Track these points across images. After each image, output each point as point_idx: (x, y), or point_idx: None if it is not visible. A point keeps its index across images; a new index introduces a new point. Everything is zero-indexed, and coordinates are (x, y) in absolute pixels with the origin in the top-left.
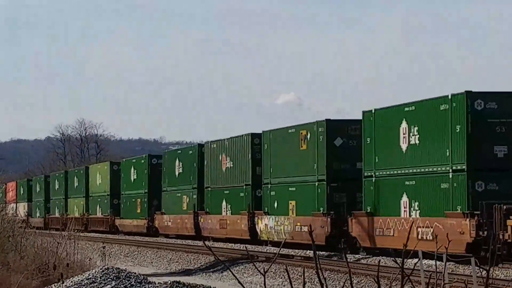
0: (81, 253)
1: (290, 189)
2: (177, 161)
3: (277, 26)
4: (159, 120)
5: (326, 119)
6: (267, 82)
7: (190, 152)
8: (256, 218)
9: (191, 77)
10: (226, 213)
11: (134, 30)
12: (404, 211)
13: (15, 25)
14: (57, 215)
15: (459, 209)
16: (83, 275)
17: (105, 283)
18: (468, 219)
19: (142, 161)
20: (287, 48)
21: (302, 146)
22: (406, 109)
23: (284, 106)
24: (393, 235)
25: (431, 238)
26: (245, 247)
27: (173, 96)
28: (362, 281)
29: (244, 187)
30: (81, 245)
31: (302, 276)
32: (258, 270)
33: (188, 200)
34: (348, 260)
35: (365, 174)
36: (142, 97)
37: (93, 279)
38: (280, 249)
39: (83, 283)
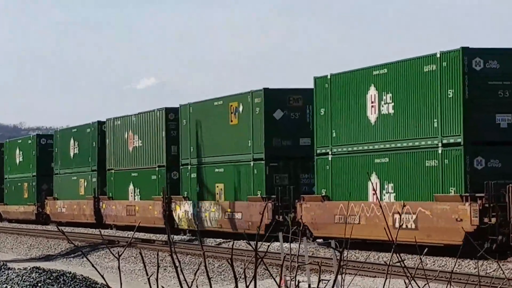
0: None
1: (216, 170)
2: (71, 141)
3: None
4: (18, 105)
5: (264, 88)
6: (128, 67)
7: (88, 130)
8: (173, 203)
9: (50, 60)
10: (134, 198)
11: None
12: (373, 194)
13: None
14: None
15: (452, 192)
16: None
17: None
18: (468, 204)
19: (29, 141)
20: (145, 30)
21: (232, 121)
22: (376, 72)
23: (146, 91)
24: (359, 223)
25: (414, 226)
26: (99, 231)
27: (31, 81)
28: (223, 264)
29: (157, 169)
30: None
31: (157, 260)
32: (112, 254)
33: (86, 184)
34: (208, 243)
35: (318, 151)
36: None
37: None
38: (134, 233)
39: None
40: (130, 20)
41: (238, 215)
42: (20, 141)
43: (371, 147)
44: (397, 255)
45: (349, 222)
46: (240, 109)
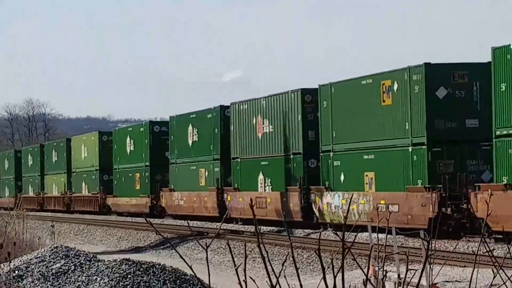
0: (31, 232)
1: (365, 157)
2: (190, 128)
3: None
4: (106, 98)
5: (425, 63)
6: (213, 60)
7: (209, 115)
8: (312, 195)
9: (138, 54)
10: (265, 190)
11: (76, 5)
12: None
13: None
14: (31, 194)
15: None
16: (32, 254)
17: (54, 262)
18: None
19: (141, 129)
20: (230, 24)
21: (384, 101)
22: None
23: (232, 84)
24: None
25: None
26: (187, 223)
27: (118, 73)
28: (312, 255)
29: (292, 156)
30: (30, 224)
31: (244, 251)
32: (200, 245)
33: (207, 174)
34: (297, 235)
35: (498, 133)
36: (88, 75)
37: (42, 258)
38: (221, 225)
39: (32, 262)
40: (209, 14)
41: (393, 208)
42: (131, 129)
43: None
44: (486, 244)
45: None
46: (395, 87)
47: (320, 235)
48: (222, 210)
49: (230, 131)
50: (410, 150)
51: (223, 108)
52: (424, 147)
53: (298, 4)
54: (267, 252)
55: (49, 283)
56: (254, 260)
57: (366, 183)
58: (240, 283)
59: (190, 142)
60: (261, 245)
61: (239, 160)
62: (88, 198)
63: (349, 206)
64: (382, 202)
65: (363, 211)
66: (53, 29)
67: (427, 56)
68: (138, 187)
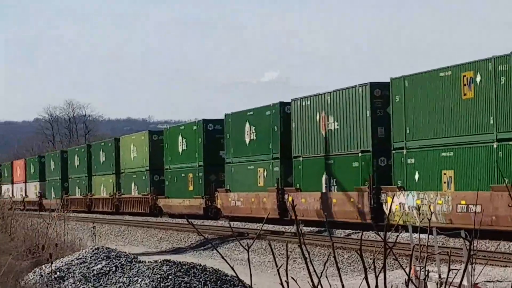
0: (72, 233)
1: (443, 154)
2: (247, 125)
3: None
4: (146, 100)
5: None
6: (251, 61)
7: (268, 112)
8: (383, 195)
9: (175, 56)
10: (329, 190)
11: (116, 8)
12: None
13: None
14: (78, 195)
15: None
16: (73, 255)
17: (95, 263)
18: None
19: (194, 127)
20: (267, 26)
21: (465, 94)
22: None
23: (270, 84)
24: None
25: None
26: (229, 223)
27: (159, 75)
28: (353, 255)
29: (360, 154)
30: (71, 225)
31: (286, 251)
32: (242, 245)
33: (265, 173)
34: (337, 235)
35: None
36: (128, 77)
37: (83, 259)
38: (262, 225)
39: (73, 263)
40: (244, 16)
41: (476, 208)
42: (183, 127)
43: None
44: None
45: None
46: (478, 79)
47: (362, 235)
48: (282, 211)
49: (291, 128)
50: (495, 146)
51: (283, 105)
52: (511, 143)
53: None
54: (308, 252)
55: (90, 284)
56: (295, 261)
57: (444, 182)
58: (282, 284)
59: (247, 140)
60: (303, 246)
61: (301, 159)
62: (138, 199)
63: (421, 209)
64: (463, 202)
65: (440, 211)
66: (94, 31)
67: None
68: (191, 187)
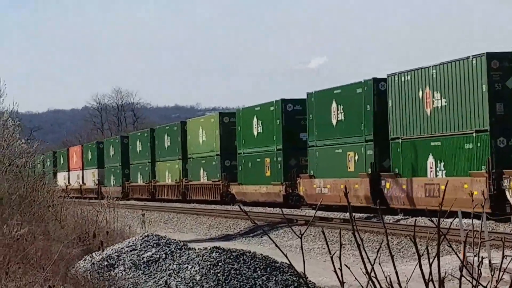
0: (121, 221)
1: None
2: (333, 104)
3: None
4: (194, 87)
5: None
6: (298, 47)
7: (359, 90)
8: (506, 180)
9: (221, 42)
10: (436, 175)
11: None
12: None
13: None
14: (140, 182)
15: None
16: (123, 243)
17: (145, 250)
18: None
19: (271, 108)
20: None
21: None
22: None
23: (317, 70)
24: None
25: None
26: (281, 210)
27: (205, 62)
28: (402, 241)
29: (475, 135)
30: (120, 213)
31: (339, 238)
32: (295, 233)
33: (357, 157)
34: (386, 221)
35: None
36: (176, 63)
37: (133, 247)
38: (316, 212)
39: (123, 251)
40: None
41: None
42: (258, 108)
43: None
44: None
45: None
46: None
47: (415, 222)
48: (376, 199)
49: (388, 107)
50: None
51: (376, 81)
52: None
53: None
54: (361, 239)
55: (140, 271)
56: (344, 247)
57: None
58: (335, 271)
59: (334, 121)
60: (356, 232)
61: (400, 141)
62: (207, 186)
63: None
64: None
65: None
66: (140, 18)
67: None
68: (268, 173)
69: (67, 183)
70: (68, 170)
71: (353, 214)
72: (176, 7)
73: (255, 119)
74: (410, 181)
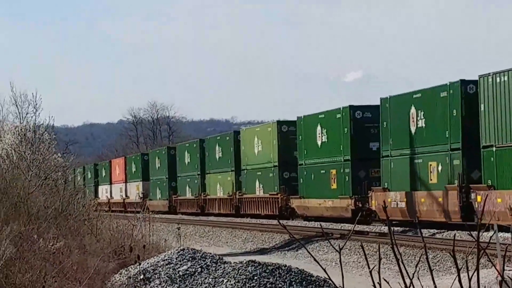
0: (157, 234)
1: None
2: (412, 109)
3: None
4: (229, 100)
5: None
6: (335, 60)
7: (443, 94)
8: None
9: (257, 55)
10: None
11: (192, 7)
12: None
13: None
14: (189, 196)
15: None
16: (159, 257)
17: (181, 264)
18: None
19: (338, 115)
20: (349, 24)
21: None
22: None
23: (353, 84)
24: None
25: None
26: (320, 224)
27: (242, 75)
28: (438, 255)
29: None
30: (156, 226)
31: (378, 252)
32: (333, 247)
33: (440, 168)
34: (423, 235)
35: None
36: (211, 77)
37: (169, 260)
38: (354, 226)
39: (159, 264)
40: (332, 14)
41: None
42: (322, 116)
43: None
44: None
45: None
46: None
47: (454, 236)
48: (466, 213)
49: (480, 111)
50: None
51: (464, 83)
52: None
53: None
54: (400, 253)
55: (176, 285)
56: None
57: None
58: (374, 285)
59: (412, 128)
60: (394, 246)
61: (494, 149)
62: (264, 199)
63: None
64: None
65: None
66: (174, 32)
67: None
68: (334, 186)
69: (109, 196)
70: (111, 183)
71: (441, 232)
72: (209, 23)
73: (318, 128)
74: (507, 193)
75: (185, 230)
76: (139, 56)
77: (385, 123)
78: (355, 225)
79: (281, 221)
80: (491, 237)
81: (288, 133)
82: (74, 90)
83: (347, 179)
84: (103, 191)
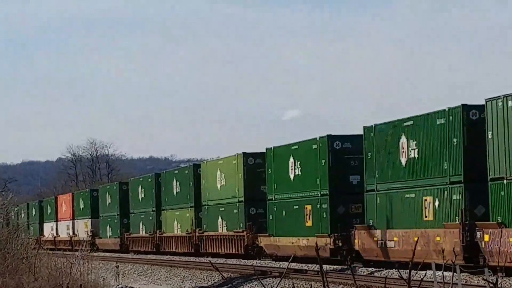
0: (95, 273)
1: None
2: (402, 139)
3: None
4: (168, 139)
5: None
6: (272, 98)
7: (441, 121)
8: None
9: (196, 93)
10: None
11: (136, 46)
12: None
13: (16, 44)
14: (143, 233)
15: None
16: None
17: None
18: None
19: (314, 146)
20: (285, 61)
21: None
22: None
23: (291, 122)
24: None
25: None
26: (252, 262)
27: (180, 113)
28: None
29: None
30: (94, 265)
31: None
32: (264, 286)
33: (437, 203)
34: (360, 273)
35: None
36: (149, 115)
37: None
38: (288, 264)
39: None
40: (270, 51)
41: None
42: (295, 147)
43: None
44: None
45: None
46: None
47: (386, 276)
48: (471, 255)
49: (487, 139)
50: None
51: (466, 108)
52: None
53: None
54: None
55: None
56: None
57: None
58: None
59: (403, 160)
60: (325, 284)
61: (505, 181)
62: (228, 237)
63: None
64: None
65: None
66: (114, 70)
67: None
68: (309, 223)
69: (55, 234)
70: (57, 220)
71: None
72: (149, 62)
73: (291, 159)
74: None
75: (123, 268)
76: (78, 93)
77: (369, 154)
78: (288, 264)
79: (244, 260)
80: (424, 275)
81: (255, 166)
82: (12, 127)
83: (324, 216)
84: (49, 229)
